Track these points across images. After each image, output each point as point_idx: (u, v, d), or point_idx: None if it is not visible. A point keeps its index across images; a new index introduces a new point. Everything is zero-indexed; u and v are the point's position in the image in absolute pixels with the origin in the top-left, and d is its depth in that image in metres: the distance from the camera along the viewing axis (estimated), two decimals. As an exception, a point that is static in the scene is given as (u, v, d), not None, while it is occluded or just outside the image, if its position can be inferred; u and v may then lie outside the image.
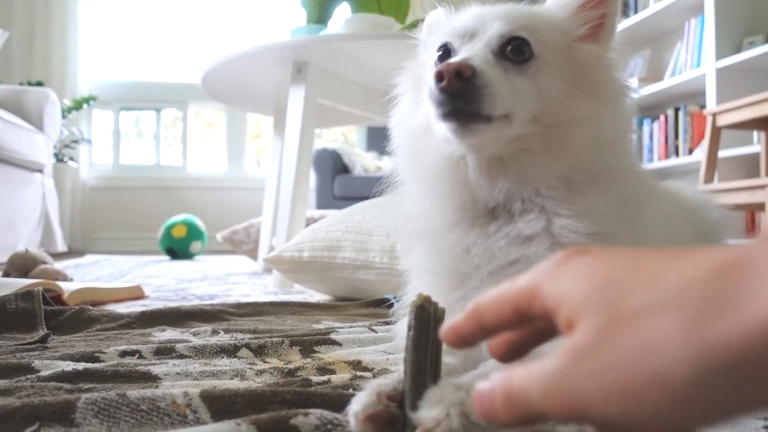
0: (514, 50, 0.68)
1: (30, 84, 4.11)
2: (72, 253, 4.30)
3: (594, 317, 0.29)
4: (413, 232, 0.80)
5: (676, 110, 3.68)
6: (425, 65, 0.77)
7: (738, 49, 3.21)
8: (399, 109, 0.81)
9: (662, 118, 3.77)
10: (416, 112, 0.76)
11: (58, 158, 4.37)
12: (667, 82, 3.56)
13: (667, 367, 0.27)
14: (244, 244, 2.83)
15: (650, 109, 3.96)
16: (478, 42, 0.69)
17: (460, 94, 0.63)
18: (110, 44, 5.34)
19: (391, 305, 1.32)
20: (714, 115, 2.87)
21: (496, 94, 0.64)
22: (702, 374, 0.26)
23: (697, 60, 3.49)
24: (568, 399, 0.30)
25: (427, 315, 0.50)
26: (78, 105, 4.50)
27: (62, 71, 4.79)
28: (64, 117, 4.13)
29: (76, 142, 4.57)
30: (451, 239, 0.72)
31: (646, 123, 3.91)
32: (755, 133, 3.12)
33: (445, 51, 0.72)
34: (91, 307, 1.17)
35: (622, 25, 3.89)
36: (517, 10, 0.71)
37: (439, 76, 0.62)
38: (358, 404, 0.49)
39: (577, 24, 0.72)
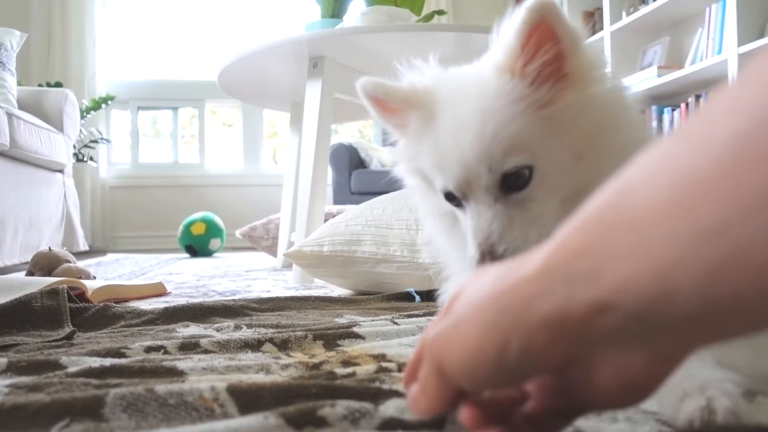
0: (514, 179, 0.63)
1: (49, 85, 4.15)
2: (93, 251, 4.35)
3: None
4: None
5: (698, 98, 3.62)
6: (417, 159, 0.72)
7: (761, 34, 3.14)
8: (412, 190, 0.80)
9: (683, 106, 3.71)
10: (435, 197, 0.73)
11: (78, 158, 4.42)
12: (687, 70, 3.50)
13: (479, 353, 0.34)
14: (263, 240, 2.85)
15: (670, 98, 3.90)
16: (479, 198, 0.64)
17: None
18: (127, 44, 5.38)
19: (412, 299, 1.32)
20: (737, 101, 2.81)
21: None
22: (499, 352, 0.33)
23: (718, 46, 3.43)
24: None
25: None
26: (96, 105, 4.55)
27: (80, 72, 4.84)
28: (83, 117, 4.18)
29: (95, 141, 4.62)
30: None
31: (667, 112, 3.85)
32: (779, 120, 3.06)
33: (449, 195, 0.69)
34: (114, 304, 1.18)
35: (641, 12, 3.84)
36: (494, 134, 0.62)
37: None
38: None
39: (535, 84, 0.62)
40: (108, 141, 4.89)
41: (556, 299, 0.30)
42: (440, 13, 2.40)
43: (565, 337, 0.31)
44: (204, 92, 5.31)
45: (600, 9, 4.38)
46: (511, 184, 0.63)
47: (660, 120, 3.89)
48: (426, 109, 0.68)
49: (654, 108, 3.92)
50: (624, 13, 4.06)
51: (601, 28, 4.27)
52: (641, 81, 3.79)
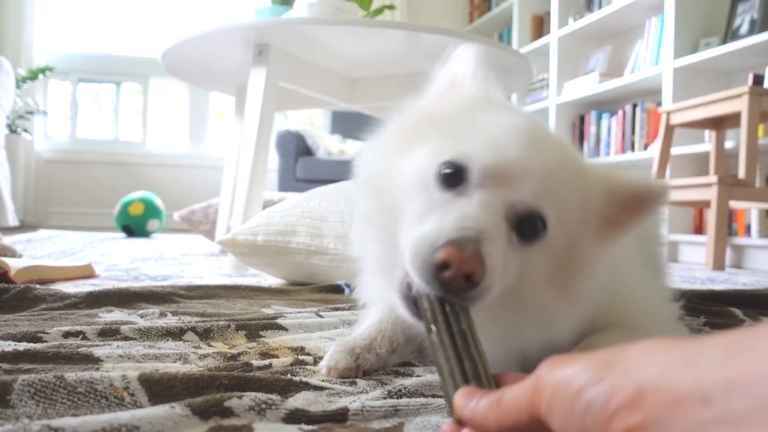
0: (530, 226, 0.56)
1: (-18, 51, 3.96)
2: (24, 227, 4.20)
3: None
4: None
5: (634, 106, 3.77)
6: (433, 118, 0.64)
7: (695, 50, 3.30)
8: (375, 156, 0.67)
9: (620, 113, 3.86)
10: (403, 162, 0.62)
11: (11, 129, 4.24)
12: (626, 78, 3.64)
13: None
14: (201, 224, 2.81)
15: (609, 104, 4.05)
16: (495, 198, 0.55)
17: (458, 290, 0.51)
18: (69, 13, 5.18)
19: (342, 291, 1.35)
20: (668, 113, 2.95)
21: (495, 289, 0.53)
22: None
23: (656, 58, 3.58)
24: None
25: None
26: (33, 75, 4.37)
27: (17, 39, 4.63)
28: (18, 87, 4.00)
29: (30, 113, 4.44)
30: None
31: (605, 117, 4.00)
32: (706, 132, 3.23)
33: (456, 173, 0.57)
34: (38, 286, 1.16)
35: (586, 20, 3.97)
36: (560, 174, 0.58)
37: (443, 266, 0.50)
38: (333, 362, 0.67)
39: (601, 216, 0.61)
40: (44, 113, 4.71)
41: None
42: (390, 8, 2.43)
43: None
44: (149, 68, 5.17)
45: (548, 13, 4.50)
46: (526, 227, 0.56)
47: (598, 125, 4.03)
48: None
49: (593, 113, 4.06)
50: (571, 19, 4.18)
51: (548, 32, 4.40)
52: (583, 86, 3.92)
